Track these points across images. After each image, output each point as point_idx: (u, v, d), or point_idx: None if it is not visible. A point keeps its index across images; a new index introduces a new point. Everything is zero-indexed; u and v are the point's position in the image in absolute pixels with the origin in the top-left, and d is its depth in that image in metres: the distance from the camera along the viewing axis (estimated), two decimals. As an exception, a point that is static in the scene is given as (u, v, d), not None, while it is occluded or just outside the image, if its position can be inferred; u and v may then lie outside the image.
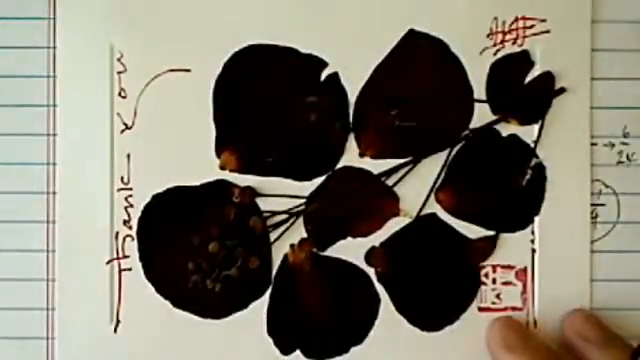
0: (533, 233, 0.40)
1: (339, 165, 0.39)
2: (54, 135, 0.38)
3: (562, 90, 0.39)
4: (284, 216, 0.39)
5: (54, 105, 0.38)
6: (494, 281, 0.40)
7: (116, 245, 0.38)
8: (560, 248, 0.39)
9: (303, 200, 0.39)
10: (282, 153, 0.38)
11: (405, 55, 0.39)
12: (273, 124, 0.38)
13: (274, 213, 0.38)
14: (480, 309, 0.40)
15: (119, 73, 0.38)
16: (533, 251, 0.40)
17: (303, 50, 0.38)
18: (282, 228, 0.39)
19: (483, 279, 0.40)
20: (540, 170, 0.39)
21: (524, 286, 0.40)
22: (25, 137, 0.39)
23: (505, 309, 0.40)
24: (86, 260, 0.38)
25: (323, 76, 0.38)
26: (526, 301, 0.40)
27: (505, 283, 0.40)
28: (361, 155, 0.39)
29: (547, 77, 0.39)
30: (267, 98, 0.38)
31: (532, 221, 0.39)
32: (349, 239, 0.39)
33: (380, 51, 0.38)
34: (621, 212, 0.40)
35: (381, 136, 0.39)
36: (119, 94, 0.38)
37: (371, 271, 0.39)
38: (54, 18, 0.38)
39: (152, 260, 0.38)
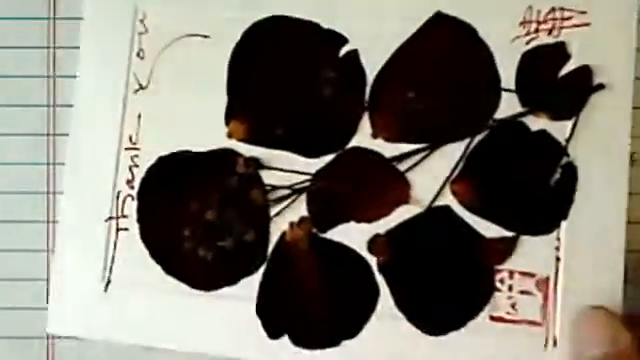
0: (559, 239, 0.35)
1: (350, 145, 0.37)
2: (54, 135, 0.39)
3: (600, 86, 0.36)
4: (286, 191, 0.37)
5: (54, 105, 0.39)
6: (510, 288, 0.36)
7: (116, 204, 0.38)
8: (589, 258, 0.35)
9: (308, 177, 0.37)
10: (292, 127, 0.37)
11: (430, 37, 0.37)
12: (286, 96, 0.37)
13: (276, 187, 0.37)
14: (492, 318, 0.35)
15: (140, 34, 0.38)
16: (557, 259, 0.35)
17: (325, 25, 0.37)
18: (283, 204, 0.37)
19: (498, 284, 0.36)
20: (571, 170, 0.36)
21: (545, 298, 0.35)
22: (25, 137, 0.39)
23: (521, 322, 0.35)
24: (86, 215, 0.37)
25: (342, 52, 0.37)
26: (546, 315, 0.35)
27: (523, 292, 0.35)
28: (374, 136, 0.37)
29: (584, 72, 0.36)
30: (283, 70, 0.37)
31: (558, 225, 0.36)
32: (352, 223, 0.36)
33: (404, 32, 0.37)
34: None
35: (396, 119, 0.37)
36: (137, 54, 0.38)
37: (373, 260, 0.36)
38: (54, 18, 0.39)
39: (149, 222, 0.37)
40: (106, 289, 0.37)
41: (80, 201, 0.38)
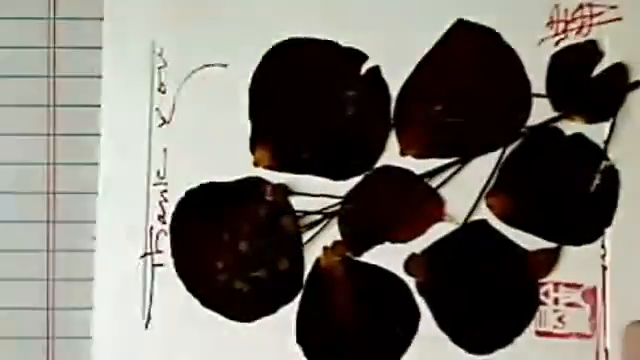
0: (604, 247, 0.34)
1: (378, 164, 0.36)
2: (54, 135, 0.39)
3: (638, 84, 0.34)
4: (318, 216, 0.36)
5: (54, 105, 0.39)
6: (556, 301, 0.34)
7: (150, 240, 0.38)
8: (637, 265, 0.33)
9: (339, 200, 0.36)
10: (318, 150, 0.36)
11: (453, 47, 0.36)
12: (310, 120, 0.37)
13: (307, 213, 0.36)
14: (538, 333, 0.34)
15: (159, 68, 0.38)
16: (604, 268, 0.34)
17: (343, 43, 0.37)
18: (315, 229, 0.36)
19: (542, 298, 0.34)
20: (612, 174, 0.34)
21: (593, 309, 0.34)
22: (25, 137, 0.39)
23: (569, 335, 0.34)
24: (121, 255, 0.38)
25: (363, 70, 0.36)
26: (596, 327, 0.34)
27: (570, 304, 0.34)
28: (402, 154, 0.36)
29: (618, 69, 0.34)
30: (304, 93, 0.37)
31: (602, 233, 0.34)
32: (387, 244, 0.36)
33: (425, 43, 0.36)
34: None
35: (425, 133, 0.36)
36: (159, 89, 0.38)
37: (411, 281, 0.35)
38: (54, 18, 0.39)
39: (184, 256, 0.37)
40: (147, 326, 0.37)
41: (114, 237, 0.38)
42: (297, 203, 0.36)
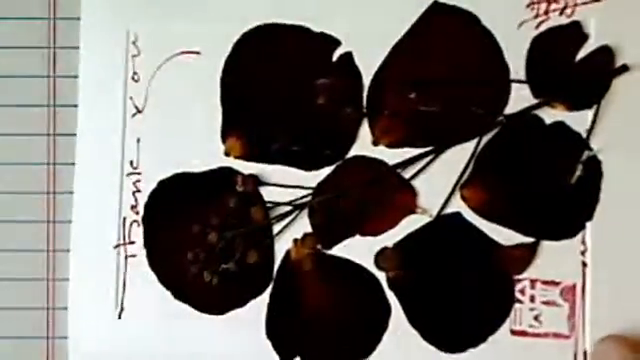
0: (584, 242, 0.32)
1: (350, 154, 0.35)
2: (54, 135, 0.39)
3: (624, 68, 0.32)
4: (288, 208, 0.35)
5: (54, 105, 0.39)
6: (532, 299, 0.33)
7: (123, 230, 0.37)
8: (618, 262, 0.31)
9: (310, 191, 0.35)
10: (289, 139, 0.35)
11: (428, 31, 0.34)
12: (281, 108, 0.36)
13: (278, 204, 0.35)
14: (513, 332, 0.33)
15: (133, 57, 0.37)
16: (584, 264, 0.32)
17: (315, 29, 0.35)
18: (286, 221, 0.35)
19: (518, 295, 0.33)
20: (594, 165, 0.32)
21: (572, 308, 0.32)
22: (25, 137, 0.39)
23: (546, 335, 0.32)
24: (96, 246, 0.37)
25: (336, 56, 0.35)
26: (574, 327, 0.32)
27: (547, 302, 0.32)
28: (375, 143, 0.35)
29: (604, 53, 0.32)
30: (276, 80, 0.36)
31: (583, 228, 0.32)
32: (358, 237, 0.34)
33: (400, 27, 0.34)
34: None
35: (398, 122, 0.34)
36: (132, 78, 0.37)
37: (382, 276, 0.34)
38: (54, 18, 0.39)
39: (155, 248, 0.37)
40: (120, 316, 0.37)
41: (88, 229, 0.38)
42: (267, 194, 0.36)
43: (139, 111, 0.37)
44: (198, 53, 0.37)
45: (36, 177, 0.39)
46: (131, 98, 0.37)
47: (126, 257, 0.37)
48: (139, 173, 0.37)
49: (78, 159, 0.38)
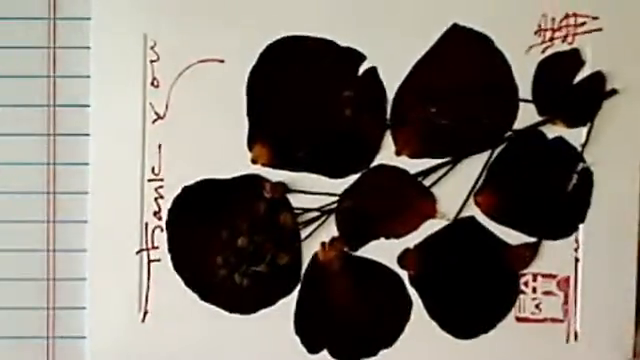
0: (577, 241, 0.38)
1: (374, 163, 0.37)
2: (54, 135, 0.38)
3: (613, 92, 0.37)
4: (316, 213, 0.37)
5: (54, 105, 0.38)
6: (534, 290, 0.38)
7: (145, 236, 0.38)
8: (605, 258, 0.37)
9: (336, 198, 0.37)
10: (316, 148, 0.37)
11: (447, 50, 0.37)
12: (307, 118, 0.37)
13: (305, 210, 0.37)
14: (518, 319, 0.38)
15: (152, 62, 0.37)
16: (576, 260, 0.38)
17: (341, 43, 0.37)
18: (313, 226, 0.37)
19: (522, 287, 0.38)
20: (587, 175, 0.37)
21: (566, 296, 0.38)
22: (25, 137, 0.38)
23: (545, 320, 0.38)
24: (116, 251, 0.37)
25: (361, 70, 0.37)
26: (567, 312, 0.38)
27: (546, 293, 0.38)
28: (397, 153, 0.37)
29: (597, 77, 0.37)
30: (302, 91, 0.37)
31: (577, 229, 0.38)
32: (382, 240, 0.38)
33: (421, 45, 0.37)
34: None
35: (419, 134, 0.37)
36: (152, 83, 0.37)
37: (404, 274, 0.38)
38: (54, 18, 0.38)
39: (181, 252, 0.38)
40: (144, 319, 0.38)
41: (107, 232, 0.37)
42: (295, 200, 0.38)
43: (160, 117, 0.37)
44: (222, 61, 0.37)
45: (36, 177, 0.38)
46: (151, 104, 0.37)
47: (149, 261, 0.38)
48: (161, 179, 0.37)
49: (92, 160, 0.37)
